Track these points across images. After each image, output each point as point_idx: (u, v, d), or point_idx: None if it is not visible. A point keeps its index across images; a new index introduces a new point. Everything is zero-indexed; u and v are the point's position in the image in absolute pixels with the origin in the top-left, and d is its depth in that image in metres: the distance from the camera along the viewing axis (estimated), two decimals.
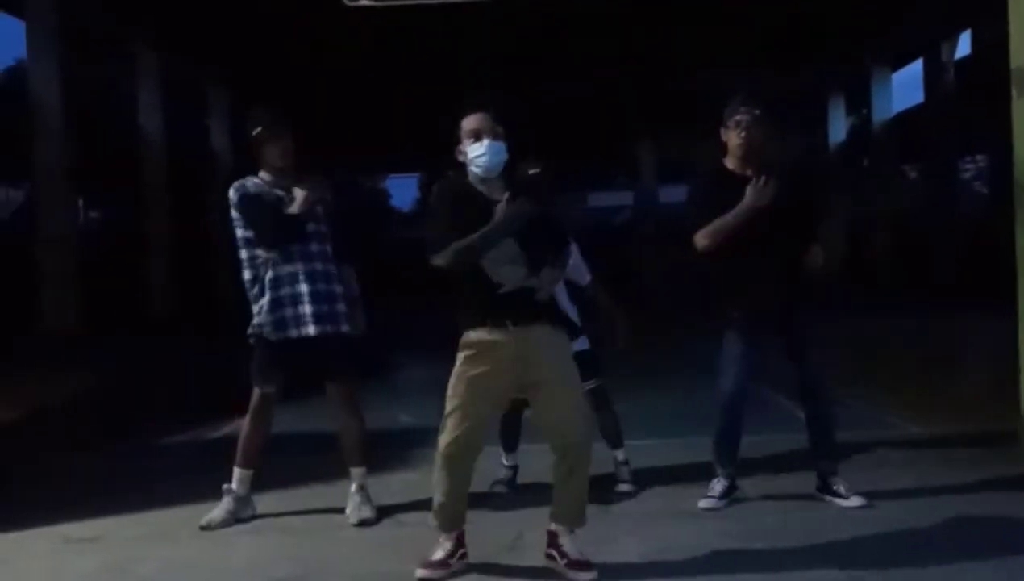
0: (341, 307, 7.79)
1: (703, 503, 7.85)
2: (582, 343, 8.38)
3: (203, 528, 7.69)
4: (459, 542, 6.63)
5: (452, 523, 6.62)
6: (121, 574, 6.91)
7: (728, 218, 7.69)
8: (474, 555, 6.78)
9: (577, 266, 8.56)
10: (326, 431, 8.17)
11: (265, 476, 8.25)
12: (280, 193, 7.78)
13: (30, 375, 15.38)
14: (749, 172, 7.79)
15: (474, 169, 6.56)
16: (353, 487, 7.94)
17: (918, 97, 32.57)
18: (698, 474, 8.37)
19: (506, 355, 6.40)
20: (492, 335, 6.42)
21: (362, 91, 31.16)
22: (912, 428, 10.64)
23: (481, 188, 6.58)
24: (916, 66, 32.34)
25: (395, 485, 8.43)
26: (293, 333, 7.70)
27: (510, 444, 8.71)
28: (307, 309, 7.68)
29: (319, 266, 7.75)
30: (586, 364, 8.39)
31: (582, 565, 6.40)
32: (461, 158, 6.64)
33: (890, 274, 31.33)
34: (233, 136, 30.90)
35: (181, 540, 7.55)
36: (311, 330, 7.68)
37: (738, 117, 7.82)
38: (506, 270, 6.42)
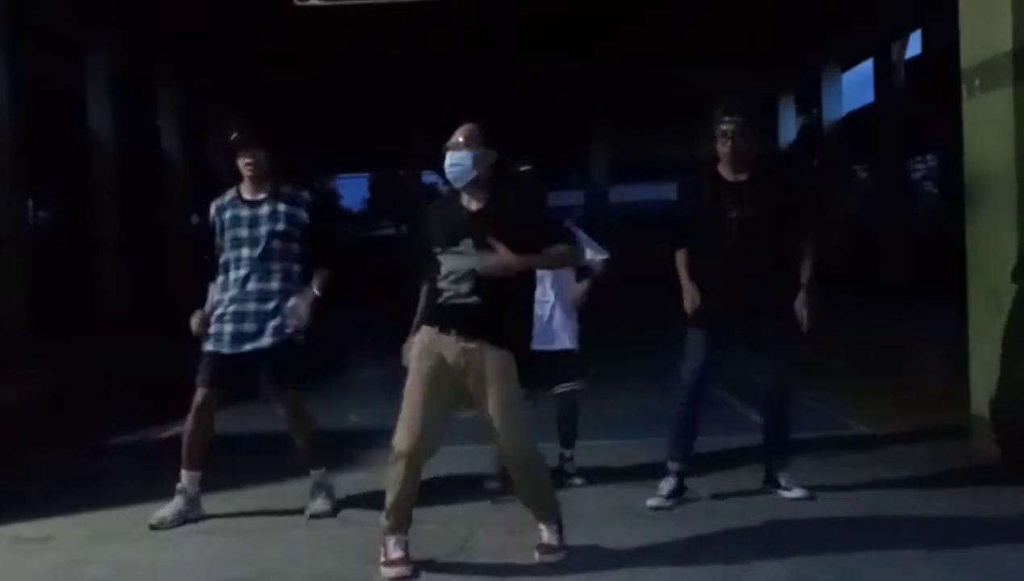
0: (271, 323, 7.76)
1: (651, 502, 7.91)
2: (568, 342, 8.59)
3: (153, 527, 7.67)
4: (407, 545, 6.63)
5: (405, 524, 6.63)
6: (72, 574, 6.89)
7: (682, 276, 8.05)
8: (427, 554, 6.79)
9: (591, 245, 8.72)
10: (279, 431, 8.12)
11: (217, 476, 8.23)
12: (240, 213, 7.86)
13: None
14: (742, 177, 7.96)
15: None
16: (310, 483, 7.99)
17: (868, 97, 32.72)
18: (652, 474, 8.40)
19: (448, 358, 6.51)
20: (438, 336, 6.55)
21: (312, 91, 31.08)
22: (862, 428, 10.72)
23: (463, 197, 6.76)
24: (866, 66, 32.48)
25: (345, 485, 8.39)
26: (211, 347, 7.80)
27: (568, 438, 8.74)
28: (227, 328, 7.76)
29: (254, 287, 7.79)
30: (571, 364, 8.48)
31: (548, 548, 6.65)
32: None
33: (841, 274, 31.45)
34: (183, 136, 30.75)
35: (132, 540, 7.52)
36: (225, 350, 7.74)
37: (723, 127, 7.91)
38: (449, 282, 6.58)
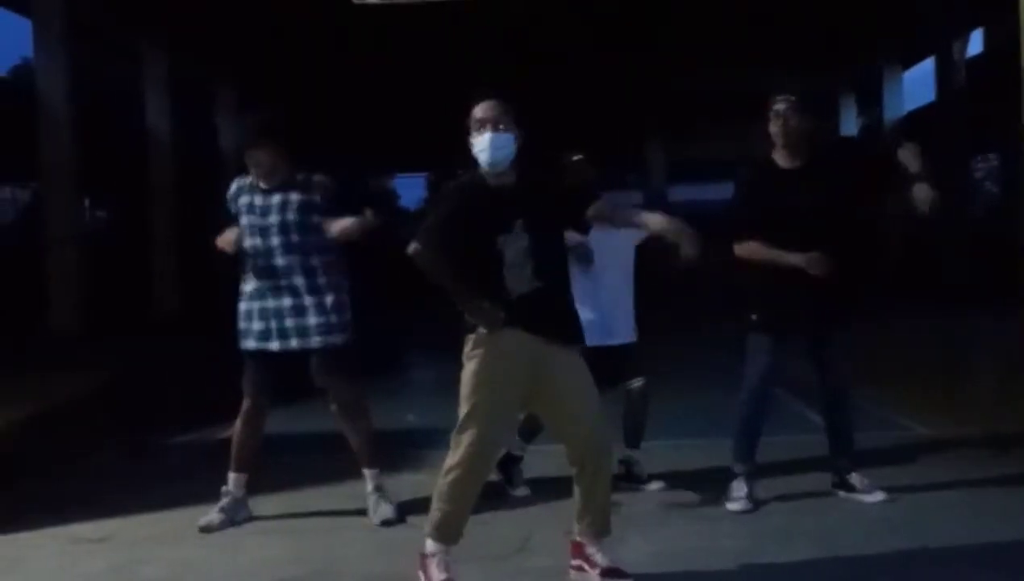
0: (312, 321, 7.62)
1: (732, 506, 7.75)
2: (630, 335, 8.39)
3: (202, 530, 7.65)
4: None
5: (456, 535, 6.29)
6: (128, 575, 6.87)
7: (769, 255, 7.65)
8: (482, 554, 6.73)
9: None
10: (333, 430, 8.07)
11: (271, 477, 8.23)
12: (254, 200, 7.77)
13: (36, 375, 15.33)
14: (798, 163, 7.75)
15: (480, 162, 6.29)
16: (368, 488, 7.88)
17: (930, 96, 32.46)
18: (707, 476, 8.36)
19: (520, 358, 6.15)
20: (505, 336, 6.14)
21: (369, 90, 31.12)
22: (921, 429, 10.58)
23: (492, 181, 6.32)
24: (928, 64, 32.26)
25: (403, 486, 8.34)
26: (251, 345, 7.72)
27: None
28: (272, 324, 7.64)
29: (283, 282, 7.63)
30: (633, 360, 8.31)
31: (617, 573, 6.22)
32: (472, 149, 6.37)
33: (901, 274, 31.25)
34: (240, 135, 30.82)
35: (188, 541, 7.50)
36: (274, 346, 7.65)
37: (776, 106, 7.72)
38: (512, 273, 6.18)
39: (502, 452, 7.67)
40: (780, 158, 7.83)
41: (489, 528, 7.34)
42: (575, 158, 8.13)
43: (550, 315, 6.18)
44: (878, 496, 7.76)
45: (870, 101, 36.79)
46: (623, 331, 8.30)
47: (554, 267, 6.29)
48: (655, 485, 8.37)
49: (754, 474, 7.96)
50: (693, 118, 36.41)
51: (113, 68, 25.65)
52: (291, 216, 7.62)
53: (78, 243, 21.02)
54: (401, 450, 9.43)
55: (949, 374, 13.46)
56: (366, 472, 7.90)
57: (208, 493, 8.05)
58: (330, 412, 7.87)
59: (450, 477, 6.18)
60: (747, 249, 7.79)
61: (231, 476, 7.90)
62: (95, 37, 23.57)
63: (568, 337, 6.26)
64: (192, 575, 6.89)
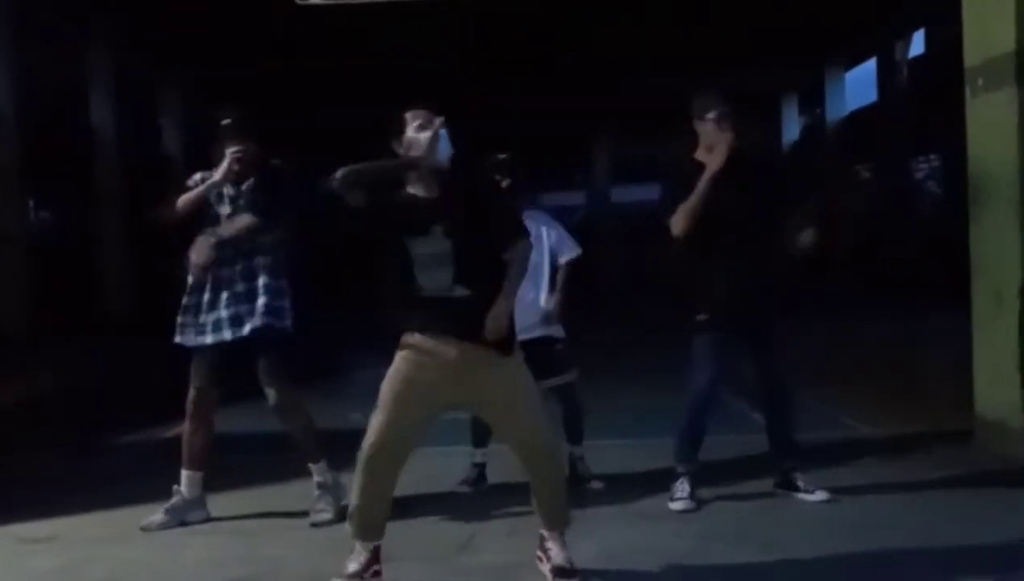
0: (244, 307, 7.66)
1: (675, 505, 7.81)
2: (558, 330, 8.40)
3: (142, 529, 7.68)
4: (374, 556, 6.33)
5: (369, 531, 6.30)
6: (75, 575, 6.88)
7: (695, 194, 7.68)
8: (425, 554, 6.78)
9: (561, 242, 8.53)
10: (281, 430, 8.09)
11: (219, 477, 8.22)
12: (219, 191, 7.81)
13: None
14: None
15: (426, 158, 6.26)
16: (315, 484, 7.91)
17: (872, 96, 32.64)
18: (652, 476, 8.41)
19: (448, 367, 6.12)
20: (434, 344, 6.15)
21: (314, 91, 31.06)
22: (865, 428, 10.68)
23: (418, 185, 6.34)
24: (870, 65, 32.43)
25: (349, 485, 8.36)
26: (192, 340, 7.73)
27: (480, 439, 8.52)
28: (206, 318, 7.69)
29: (225, 271, 7.69)
30: (562, 355, 8.34)
31: (565, 572, 6.26)
32: (400, 150, 6.39)
33: (844, 273, 31.43)
34: (185, 134, 30.82)
35: (135, 541, 7.51)
36: (208, 340, 7.67)
37: (709, 116, 7.85)
38: (429, 274, 6.15)
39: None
40: (704, 157, 7.89)
41: (433, 527, 7.43)
42: (500, 157, 8.16)
43: (479, 322, 6.04)
44: (820, 496, 7.82)
45: (812, 101, 36.96)
46: (530, 326, 8.00)
47: (484, 273, 6.18)
48: (596, 484, 8.42)
49: (697, 474, 8.01)
50: (636, 118, 36.44)
51: (58, 68, 25.45)
52: (241, 202, 7.73)
53: (23, 243, 20.88)
54: (347, 450, 9.45)
55: (895, 373, 13.58)
56: (311, 467, 7.94)
57: (154, 493, 8.06)
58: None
59: (357, 470, 6.24)
60: (677, 217, 7.78)
61: (183, 475, 7.89)
62: (39, 37, 23.40)
63: (500, 344, 6.15)
64: (138, 575, 6.91)
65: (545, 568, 6.35)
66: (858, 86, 33.82)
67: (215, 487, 8.16)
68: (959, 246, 9.83)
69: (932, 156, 31.46)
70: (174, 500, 7.84)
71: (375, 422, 6.14)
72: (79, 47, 25.75)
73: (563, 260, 8.50)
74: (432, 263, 6.13)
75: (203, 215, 7.82)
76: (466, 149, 6.59)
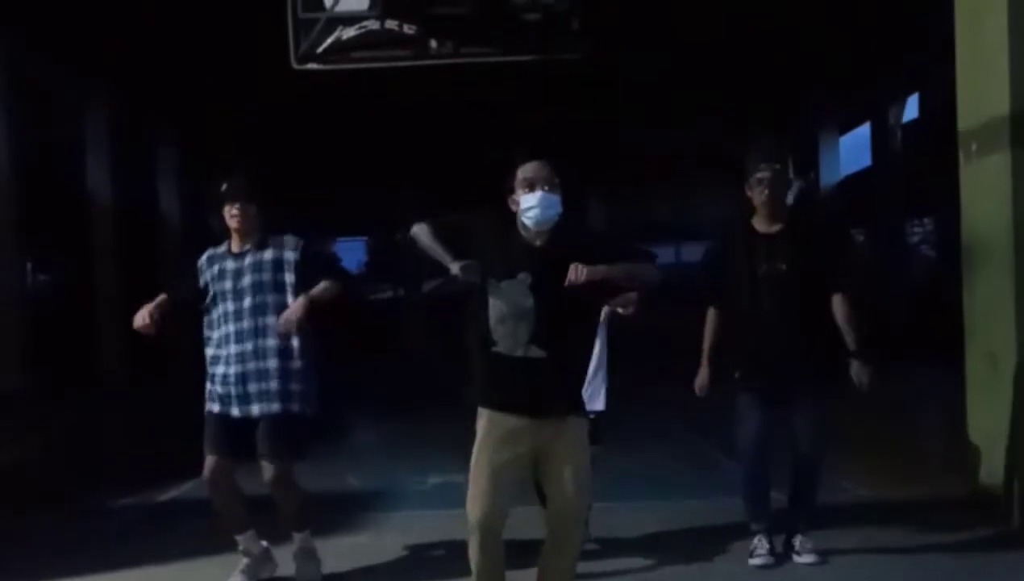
0: (274, 386, 7.52)
1: (755, 561, 7.85)
2: (601, 403, 8.18)
3: None
4: None
5: None
6: None
7: (706, 344, 7.99)
8: None
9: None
10: (265, 493, 8.02)
11: (217, 541, 8.18)
12: (226, 266, 7.71)
13: None
14: (775, 229, 7.78)
15: (524, 220, 6.16)
16: (295, 548, 7.83)
17: (866, 161, 32.70)
18: (660, 538, 8.47)
19: (521, 442, 6.09)
20: (505, 419, 6.10)
21: (311, 153, 31.16)
22: (861, 492, 10.64)
23: (524, 234, 6.24)
24: (864, 129, 32.51)
25: (343, 548, 8.34)
26: (217, 409, 7.63)
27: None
28: (230, 390, 7.56)
29: (249, 346, 7.55)
30: (598, 426, 8.22)
31: None
32: (513, 208, 6.24)
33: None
34: (180, 194, 30.95)
35: None
36: (235, 412, 7.57)
37: (759, 174, 7.75)
38: (505, 327, 6.03)
39: None
40: (758, 222, 7.88)
41: None
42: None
43: (546, 391, 6.02)
44: (808, 558, 7.82)
45: (807, 165, 37.06)
46: (597, 398, 8.05)
47: (564, 336, 6.10)
48: (590, 545, 8.37)
49: (772, 529, 7.98)
50: (631, 180, 36.51)
51: (53, 127, 25.48)
52: (265, 276, 7.60)
53: (20, 304, 20.89)
54: (341, 513, 9.42)
55: (892, 436, 13.54)
56: (295, 535, 7.85)
57: (151, 555, 8.04)
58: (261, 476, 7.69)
59: (470, 540, 6.16)
60: (708, 318, 7.96)
61: (239, 539, 7.84)
62: (34, 98, 23.47)
63: (563, 414, 6.12)
64: None
65: None
66: (852, 151, 33.90)
67: (198, 551, 8.15)
68: (953, 309, 9.83)
69: (926, 220, 31.54)
70: (245, 560, 7.82)
71: (474, 498, 6.08)
72: (75, 106, 25.81)
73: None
74: (510, 315, 6.04)
75: (202, 293, 7.78)
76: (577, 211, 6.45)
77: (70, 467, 13.30)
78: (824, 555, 7.87)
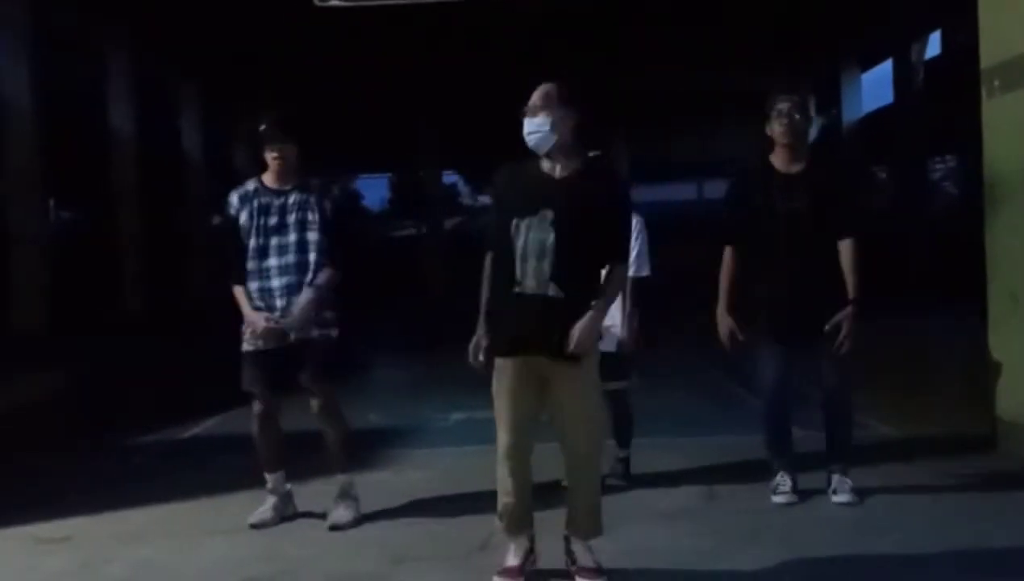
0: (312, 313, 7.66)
1: (778, 498, 7.86)
2: (612, 344, 8.13)
3: (253, 526, 7.72)
4: (531, 546, 6.47)
5: (519, 525, 6.43)
6: (93, 574, 6.92)
7: (722, 286, 7.92)
8: (443, 554, 6.82)
9: (640, 257, 8.36)
10: (302, 431, 8.12)
11: (238, 478, 8.23)
12: (268, 201, 7.74)
13: (0, 376, 15.30)
14: (796, 167, 7.75)
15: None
16: (336, 491, 7.89)
17: (888, 98, 32.51)
18: (672, 476, 8.45)
19: (527, 380, 6.22)
20: (509, 360, 6.22)
21: (333, 90, 31.09)
22: (886, 429, 10.65)
23: (544, 165, 6.30)
24: (886, 67, 32.31)
25: (369, 484, 8.36)
26: (253, 346, 7.68)
27: (622, 438, 8.62)
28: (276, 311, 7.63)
29: (287, 279, 7.67)
30: (626, 360, 8.27)
31: (590, 572, 6.32)
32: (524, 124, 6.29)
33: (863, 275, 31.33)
34: (203, 135, 30.97)
35: (151, 540, 7.54)
36: (272, 345, 7.62)
37: (780, 105, 7.72)
38: (529, 265, 6.07)
39: None
40: (778, 161, 7.85)
41: (452, 527, 7.43)
42: (591, 154, 8.06)
43: (553, 330, 6.06)
44: (843, 497, 7.80)
45: (828, 103, 36.86)
46: (612, 334, 8.09)
47: (577, 274, 6.14)
48: (615, 481, 8.39)
49: (795, 466, 8.02)
50: (654, 119, 36.39)
51: (76, 68, 25.46)
52: (310, 214, 7.72)
53: (42, 243, 20.92)
54: (364, 451, 9.46)
55: (915, 374, 13.53)
56: (339, 477, 7.93)
57: (171, 493, 8.09)
58: (309, 411, 7.83)
59: (497, 474, 6.36)
60: (724, 258, 7.93)
61: (268, 477, 7.96)
62: (58, 38, 23.44)
63: (571, 355, 6.11)
64: (157, 574, 6.93)
65: (571, 568, 6.39)
66: (874, 88, 33.71)
67: (234, 487, 8.19)
68: (976, 247, 9.80)
69: (948, 157, 31.38)
70: (270, 498, 7.92)
71: (499, 430, 6.29)
72: (98, 47, 25.77)
73: (632, 274, 8.01)
74: (532, 251, 6.08)
75: (244, 228, 7.78)
76: (607, 143, 6.45)
77: (93, 406, 13.34)
78: (860, 494, 7.84)
